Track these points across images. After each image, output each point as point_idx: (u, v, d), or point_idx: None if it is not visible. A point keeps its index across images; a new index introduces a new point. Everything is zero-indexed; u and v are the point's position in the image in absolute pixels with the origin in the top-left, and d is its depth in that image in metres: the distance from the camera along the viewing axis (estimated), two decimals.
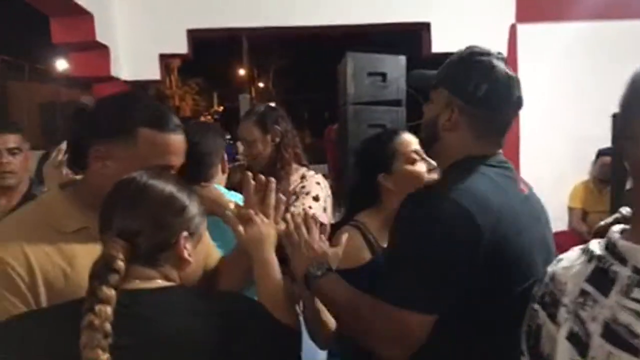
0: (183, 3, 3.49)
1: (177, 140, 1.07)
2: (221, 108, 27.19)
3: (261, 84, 26.97)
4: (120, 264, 0.83)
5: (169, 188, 0.92)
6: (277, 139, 1.95)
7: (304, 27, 3.56)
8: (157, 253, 0.90)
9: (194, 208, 0.95)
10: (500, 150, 1.14)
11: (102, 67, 3.32)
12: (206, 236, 1.06)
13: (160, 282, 0.89)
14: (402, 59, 2.97)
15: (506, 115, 1.12)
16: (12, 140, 2.09)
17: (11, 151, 2.08)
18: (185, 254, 0.92)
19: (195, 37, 3.61)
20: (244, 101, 11.98)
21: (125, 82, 3.51)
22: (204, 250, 1.04)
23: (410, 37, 3.70)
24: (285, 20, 3.55)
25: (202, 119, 28.60)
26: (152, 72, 3.53)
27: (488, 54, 1.12)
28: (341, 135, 3.19)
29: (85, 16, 3.01)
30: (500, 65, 1.09)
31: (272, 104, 2.08)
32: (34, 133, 10.64)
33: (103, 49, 3.26)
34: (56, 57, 14.00)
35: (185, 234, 0.92)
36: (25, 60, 11.29)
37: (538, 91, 3.17)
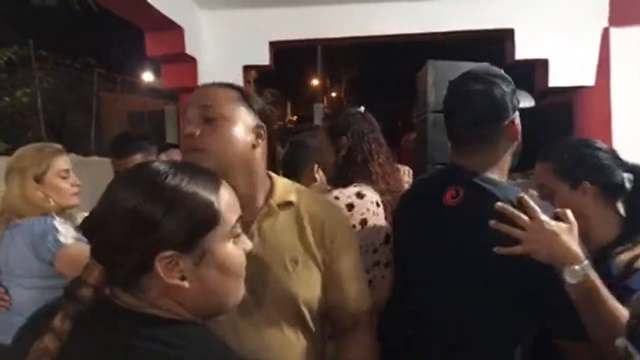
0: (266, 16, 3.60)
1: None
2: (295, 117, 27.80)
3: (333, 94, 27.27)
4: (84, 290, 0.72)
5: (135, 200, 0.73)
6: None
7: (383, 36, 3.57)
8: (135, 278, 0.74)
9: (176, 220, 0.73)
10: None
11: (190, 78, 3.49)
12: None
13: (147, 311, 0.75)
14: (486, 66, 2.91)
15: None
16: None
17: None
18: (170, 279, 0.73)
19: (277, 48, 3.72)
20: (317, 110, 12.15)
21: None
22: (232, 271, 0.81)
23: (490, 45, 3.61)
24: (364, 30, 3.58)
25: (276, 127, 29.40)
26: (235, 82, 3.67)
27: None
28: (420, 144, 3.15)
29: (177, 30, 3.19)
30: None
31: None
32: None
33: (191, 61, 3.44)
34: (144, 69, 14.94)
35: (167, 253, 0.72)
36: (117, 72, 12.14)
37: (632, 96, 3.01)
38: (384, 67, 19.93)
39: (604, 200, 1.32)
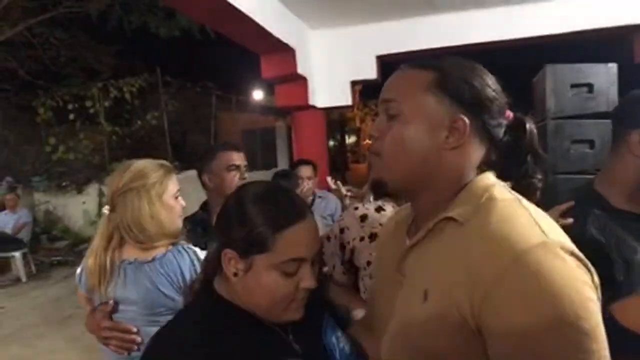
0: (373, 31, 3.66)
1: None
2: None
3: None
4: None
5: (229, 207, 0.95)
6: None
7: (491, 42, 3.46)
8: (219, 268, 0.95)
9: (241, 232, 0.90)
10: None
11: (302, 97, 3.65)
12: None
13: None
14: (613, 67, 2.66)
15: None
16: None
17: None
18: (227, 270, 0.92)
19: (384, 62, 3.76)
20: None
21: (321, 109, 3.80)
22: (264, 294, 0.90)
23: (612, 44, 3.34)
24: (470, 38, 3.49)
25: None
26: (344, 98, 3.77)
27: None
28: None
29: (289, 52, 3.35)
30: None
31: None
32: None
33: (302, 80, 3.59)
34: (255, 88, 15.79)
35: (229, 251, 0.91)
36: (232, 93, 12.98)
37: None
38: (492, 73, 19.16)
39: None
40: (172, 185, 1.56)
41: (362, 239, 1.42)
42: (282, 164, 11.73)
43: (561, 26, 3.27)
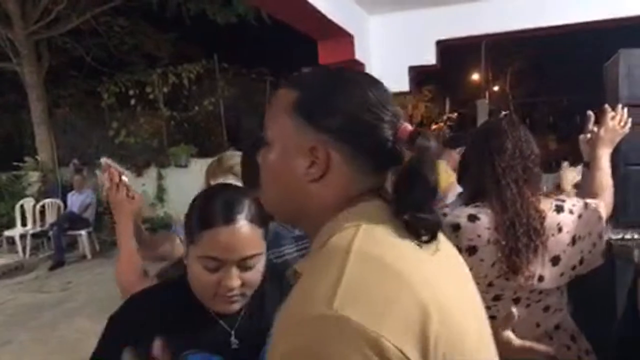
0: (432, 15, 3.57)
1: None
2: (454, 114, 26.89)
3: (496, 88, 25.75)
4: None
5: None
6: None
7: (556, 27, 3.30)
8: None
9: (188, 220, 1.06)
10: None
11: None
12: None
13: None
14: None
15: None
16: None
17: None
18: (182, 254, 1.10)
19: (443, 47, 3.67)
20: (482, 107, 11.58)
21: None
22: (194, 283, 1.07)
23: None
24: (534, 21, 3.34)
25: (434, 126, 28.80)
26: (401, 84, 3.71)
27: None
28: None
29: (347, 37, 3.33)
30: None
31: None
32: None
33: (360, 67, 3.56)
34: None
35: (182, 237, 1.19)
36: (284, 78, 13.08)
37: None
38: (556, 57, 18.24)
39: None
40: None
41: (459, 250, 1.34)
42: None
43: (635, 9, 3.07)
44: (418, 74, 3.89)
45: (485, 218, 1.31)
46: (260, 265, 1.04)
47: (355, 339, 0.52)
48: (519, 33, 3.46)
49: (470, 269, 1.28)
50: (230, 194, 1.05)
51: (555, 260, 1.32)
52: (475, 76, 24.32)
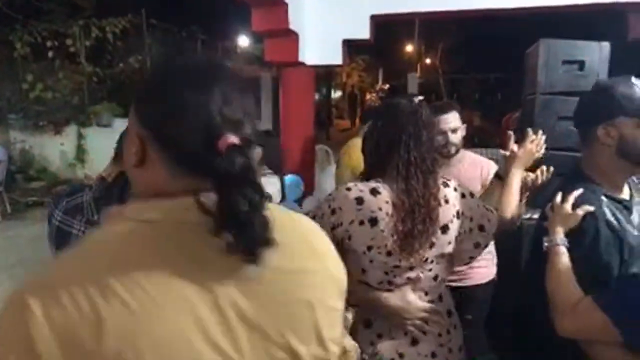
0: None
1: None
2: (387, 86, 27.30)
3: (428, 61, 26.36)
4: None
5: None
6: None
7: (488, 10, 3.40)
8: None
9: None
10: None
11: (291, 53, 3.57)
12: None
13: None
14: (606, 45, 2.65)
15: None
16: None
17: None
18: None
19: (377, 22, 3.68)
20: (412, 80, 11.87)
21: (310, 66, 3.73)
22: None
23: (609, 20, 3.31)
24: (465, 4, 3.42)
25: (367, 96, 29.22)
26: (335, 57, 3.70)
27: None
28: (525, 126, 2.99)
29: (281, 6, 3.25)
30: None
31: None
32: None
33: (293, 36, 3.50)
34: (241, 36, 15.39)
35: None
36: (218, 39, 12.64)
37: None
38: (485, 37, 18.86)
39: None
40: None
41: (361, 223, 1.38)
42: (266, 116, 11.57)
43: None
44: (352, 45, 3.88)
45: (385, 192, 1.39)
46: None
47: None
48: (450, 13, 3.53)
49: (372, 239, 1.37)
50: None
51: (444, 229, 1.42)
52: (409, 48, 24.74)
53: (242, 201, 0.63)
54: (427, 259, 1.41)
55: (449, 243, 1.45)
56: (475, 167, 2.35)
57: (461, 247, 1.49)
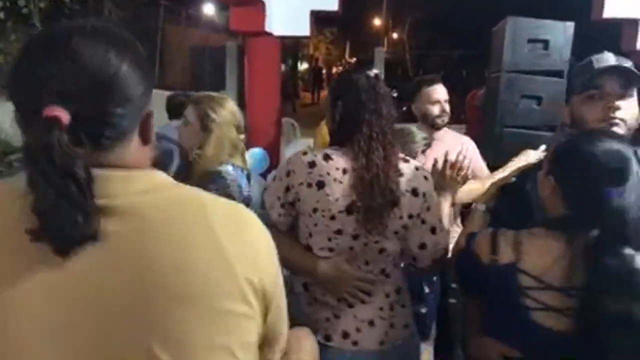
0: None
1: None
2: (354, 59, 27.11)
3: (395, 35, 26.28)
4: None
5: None
6: None
7: None
8: None
9: None
10: None
11: (258, 22, 3.49)
12: None
13: None
14: (570, 26, 2.70)
15: None
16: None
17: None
18: None
19: None
20: (378, 55, 11.76)
21: (277, 37, 3.66)
22: None
23: (576, 1, 3.37)
24: None
25: (334, 69, 28.98)
26: (302, 28, 3.63)
27: None
28: (490, 103, 3.04)
29: None
30: None
31: None
32: (184, 75, 11.61)
33: (260, 5, 3.41)
34: (207, 3, 14.90)
35: None
36: (182, 6, 12.21)
37: None
38: (453, 12, 18.89)
39: None
40: None
41: (309, 185, 1.41)
42: (231, 85, 11.33)
43: None
44: (320, 17, 3.83)
45: (339, 160, 1.41)
46: None
47: None
48: None
49: (317, 202, 1.38)
50: None
51: (394, 202, 1.42)
52: (377, 21, 24.59)
53: (44, 185, 0.57)
54: (374, 231, 1.42)
55: (400, 218, 1.43)
56: (457, 141, 2.38)
57: (414, 230, 1.47)
